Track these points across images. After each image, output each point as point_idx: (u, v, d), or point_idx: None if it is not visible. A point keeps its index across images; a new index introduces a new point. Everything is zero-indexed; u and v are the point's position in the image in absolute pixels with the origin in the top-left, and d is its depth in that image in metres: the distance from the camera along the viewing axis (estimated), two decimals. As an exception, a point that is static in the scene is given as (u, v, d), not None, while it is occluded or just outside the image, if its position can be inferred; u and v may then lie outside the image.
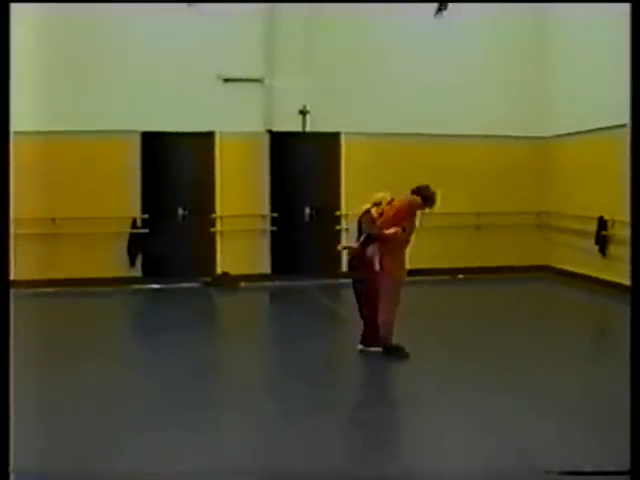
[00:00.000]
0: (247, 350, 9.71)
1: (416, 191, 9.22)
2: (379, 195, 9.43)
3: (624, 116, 13.12)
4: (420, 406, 7.50)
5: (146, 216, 14.71)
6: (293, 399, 7.54)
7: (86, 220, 14.09)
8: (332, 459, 5.92)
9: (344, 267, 14.87)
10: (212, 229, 15.02)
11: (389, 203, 9.26)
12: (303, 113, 15.09)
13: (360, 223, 9.39)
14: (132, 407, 7.26)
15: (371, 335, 9.23)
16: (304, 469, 5.67)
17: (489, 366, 8.65)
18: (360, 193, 14.73)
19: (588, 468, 5.41)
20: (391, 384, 8.63)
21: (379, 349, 9.13)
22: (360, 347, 9.27)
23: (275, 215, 15.24)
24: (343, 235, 15.19)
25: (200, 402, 7.39)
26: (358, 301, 9.36)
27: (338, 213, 15.41)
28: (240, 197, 14.97)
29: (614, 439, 6.21)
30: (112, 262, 14.49)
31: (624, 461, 4.26)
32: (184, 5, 14.24)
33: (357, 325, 9.36)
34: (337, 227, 15.36)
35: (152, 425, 6.63)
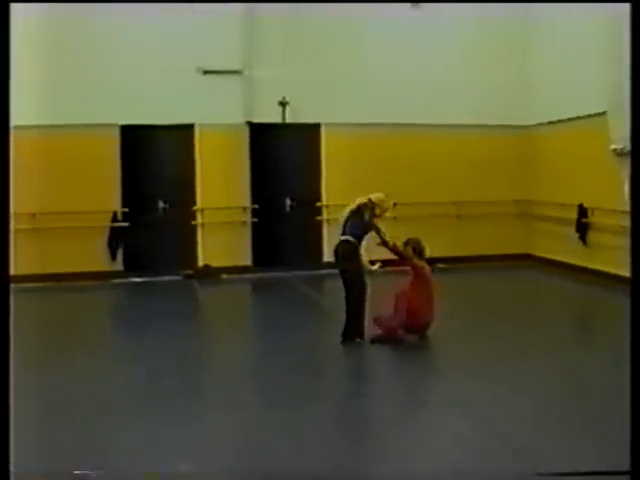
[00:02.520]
0: (230, 342, 9.74)
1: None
2: (374, 195, 9.50)
3: (602, 104, 13.22)
4: (405, 396, 7.52)
5: (126, 210, 14.64)
6: (277, 390, 7.55)
7: (66, 214, 13.98)
8: (316, 451, 5.92)
9: (326, 258, 15.01)
10: (193, 222, 14.97)
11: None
12: (283, 104, 15.06)
13: (355, 215, 9.40)
14: (114, 401, 7.24)
15: (353, 326, 9.27)
16: (288, 462, 5.68)
17: (475, 356, 8.66)
18: (341, 183, 14.87)
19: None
20: (376, 374, 8.65)
21: (360, 340, 9.20)
22: (341, 339, 9.29)
23: (256, 207, 15.20)
24: (324, 226, 15.25)
25: (184, 395, 7.39)
26: (347, 291, 9.39)
27: (319, 204, 15.40)
28: (220, 189, 14.93)
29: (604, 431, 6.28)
30: (93, 256, 14.41)
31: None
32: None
33: (340, 315, 9.36)
34: (318, 218, 15.38)
35: (135, 420, 6.62)
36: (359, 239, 9.36)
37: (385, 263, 9.78)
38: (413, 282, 9.44)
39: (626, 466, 4.16)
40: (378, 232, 9.45)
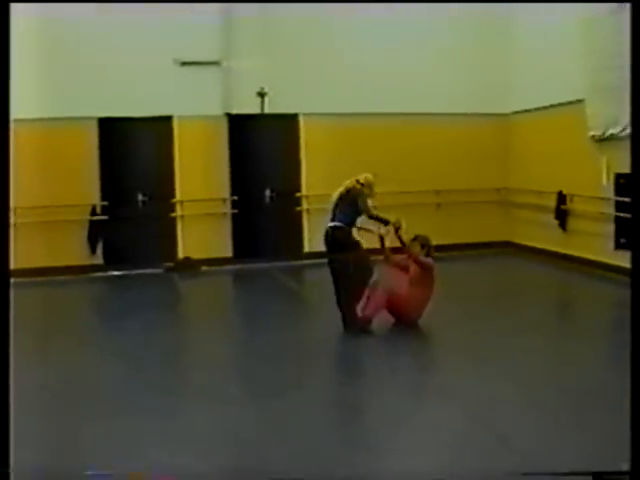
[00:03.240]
0: (212, 334, 9.70)
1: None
2: (362, 176, 9.44)
3: (580, 91, 13.28)
4: (394, 386, 7.50)
5: (105, 203, 14.57)
6: (260, 381, 7.54)
7: (45, 209, 13.89)
8: (305, 445, 5.86)
9: (306, 249, 15.03)
10: (172, 214, 14.93)
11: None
12: (261, 95, 15.02)
13: (344, 200, 9.34)
14: (97, 394, 7.24)
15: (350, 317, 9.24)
16: (278, 455, 5.66)
17: (460, 344, 8.66)
18: (320, 174, 14.86)
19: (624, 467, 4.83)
20: (363, 363, 8.61)
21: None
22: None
23: (235, 198, 15.17)
24: (304, 216, 15.26)
25: (168, 387, 7.38)
26: (335, 283, 9.33)
27: (299, 194, 15.39)
28: (200, 181, 14.88)
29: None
30: (72, 250, 14.35)
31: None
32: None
33: (321, 305, 9.31)
34: (298, 209, 15.37)
35: (118, 414, 6.58)
36: (350, 224, 9.30)
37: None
38: (417, 277, 9.43)
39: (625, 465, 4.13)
40: (377, 218, 9.37)
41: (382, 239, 9.46)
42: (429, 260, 9.48)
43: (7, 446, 3.88)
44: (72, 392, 7.26)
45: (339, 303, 9.28)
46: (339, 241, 9.22)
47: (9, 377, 3.92)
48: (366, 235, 9.59)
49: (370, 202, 9.47)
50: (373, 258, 9.49)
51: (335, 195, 9.37)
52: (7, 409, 3.90)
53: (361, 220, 9.44)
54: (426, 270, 9.40)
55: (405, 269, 9.58)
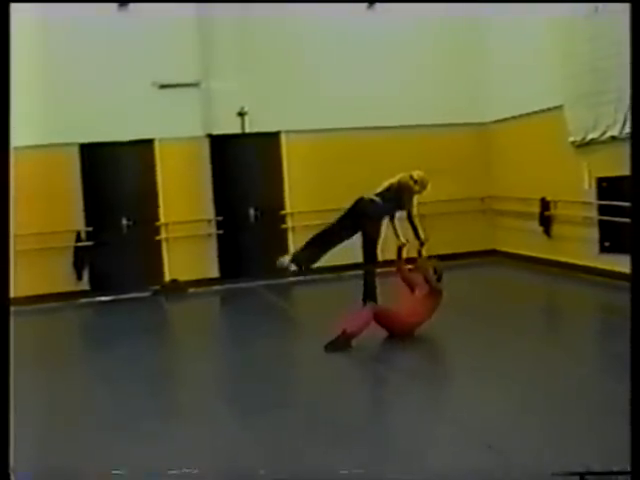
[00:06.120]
0: (203, 356, 9.63)
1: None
2: (416, 172, 9.50)
3: (559, 97, 13.37)
4: (378, 401, 7.50)
5: (90, 229, 14.56)
6: (251, 401, 7.49)
7: (29, 237, 13.80)
8: (295, 462, 5.80)
9: (293, 267, 14.99)
10: (157, 237, 14.91)
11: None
12: (242, 115, 15.05)
13: (391, 190, 9.47)
14: (85, 419, 7.19)
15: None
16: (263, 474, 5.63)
17: (450, 356, 8.65)
18: (304, 190, 14.89)
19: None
20: (355, 380, 8.57)
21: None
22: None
23: (220, 219, 15.17)
24: (289, 234, 15.25)
25: (158, 411, 7.31)
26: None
27: (283, 212, 15.40)
28: (184, 203, 14.88)
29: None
30: (58, 277, 14.30)
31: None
32: (115, 9, 14.19)
33: (310, 322, 9.26)
34: (283, 226, 15.37)
35: (107, 436, 6.54)
36: (387, 213, 9.37)
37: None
38: (422, 299, 9.39)
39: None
40: (413, 224, 9.40)
41: (400, 250, 9.48)
42: (439, 286, 9.44)
43: (7, 447, 3.86)
44: (59, 419, 7.20)
45: None
46: (363, 209, 9.32)
47: (9, 380, 3.90)
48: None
49: (415, 200, 9.48)
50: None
51: (384, 184, 9.40)
52: (7, 409, 3.88)
53: (398, 215, 9.52)
54: (434, 295, 9.36)
55: (411, 287, 9.53)
